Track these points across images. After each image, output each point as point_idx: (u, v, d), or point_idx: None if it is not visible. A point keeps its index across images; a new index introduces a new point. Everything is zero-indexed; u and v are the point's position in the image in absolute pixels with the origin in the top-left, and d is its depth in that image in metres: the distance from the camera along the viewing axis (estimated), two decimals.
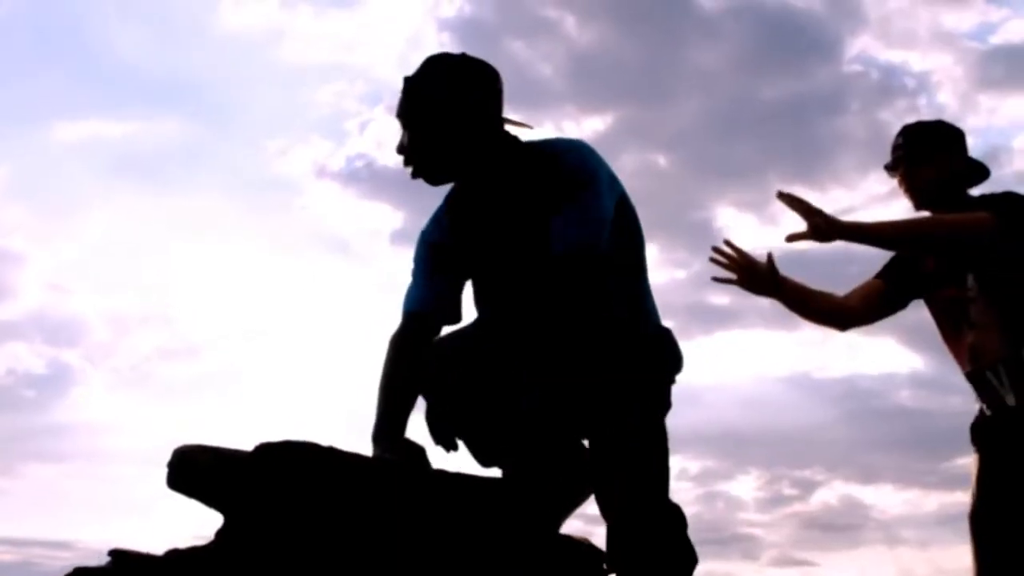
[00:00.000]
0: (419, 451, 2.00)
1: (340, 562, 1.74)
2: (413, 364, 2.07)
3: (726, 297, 10.60)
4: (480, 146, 2.10)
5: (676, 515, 1.99)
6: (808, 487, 9.94)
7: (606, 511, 1.97)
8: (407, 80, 2.12)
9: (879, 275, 2.75)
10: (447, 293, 2.18)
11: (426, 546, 1.82)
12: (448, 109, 2.07)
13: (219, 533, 1.74)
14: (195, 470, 1.73)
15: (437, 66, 2.12)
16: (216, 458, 1.74)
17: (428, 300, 2.16)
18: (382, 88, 11.43)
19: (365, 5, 11.37)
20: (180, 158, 10.74)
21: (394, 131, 2.15)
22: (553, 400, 1.98)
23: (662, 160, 10.27)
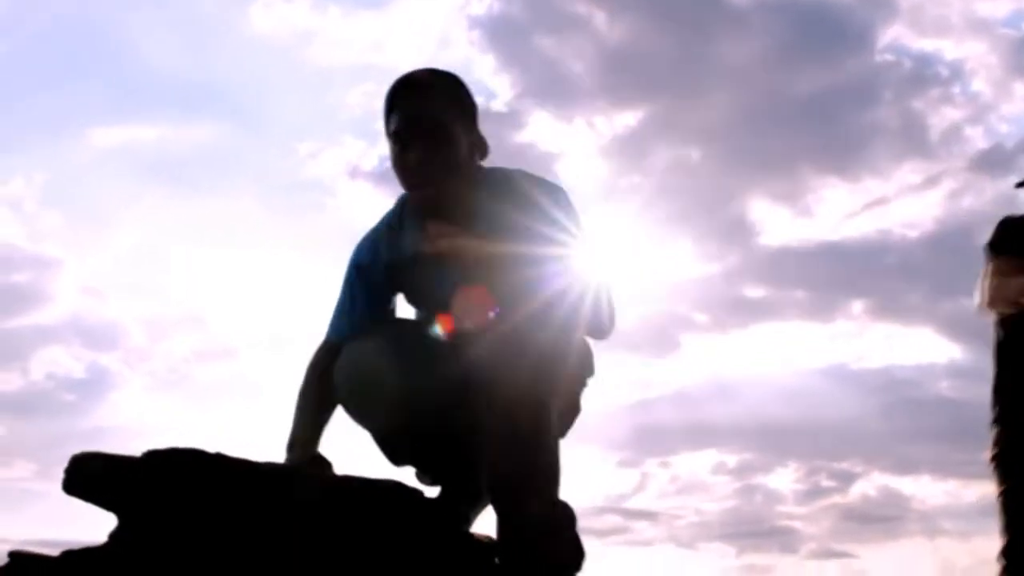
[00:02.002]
0: (326, 464, 2.09)
1: (227, 564, 1.83)
2: (329, 385, 2.16)
3: (761, 290, 10.54)
4: (468, 169, 2.13)
5: (565, 511, 2.03)
6: (847, 479, 9.84)
7: (498, 504, 2.01)
8: (420, 94, 2.09)
9: None
10: (369, 322, 2.23)
11: (319, 549, 1.90)
12: (462, 127, 2.10)
13: (112, 535, 1.84)
14: (88, 475, 1.84)
15: (446, 80, 2.14)
16: (108, 464, 1.85)
17: (348, 332, 2.23)
18: None
19: (395, 5, 11.45)
20: (212, 162, 10.97)
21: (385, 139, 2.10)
22: None
23: (695, 154, 10.22)
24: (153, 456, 1.85)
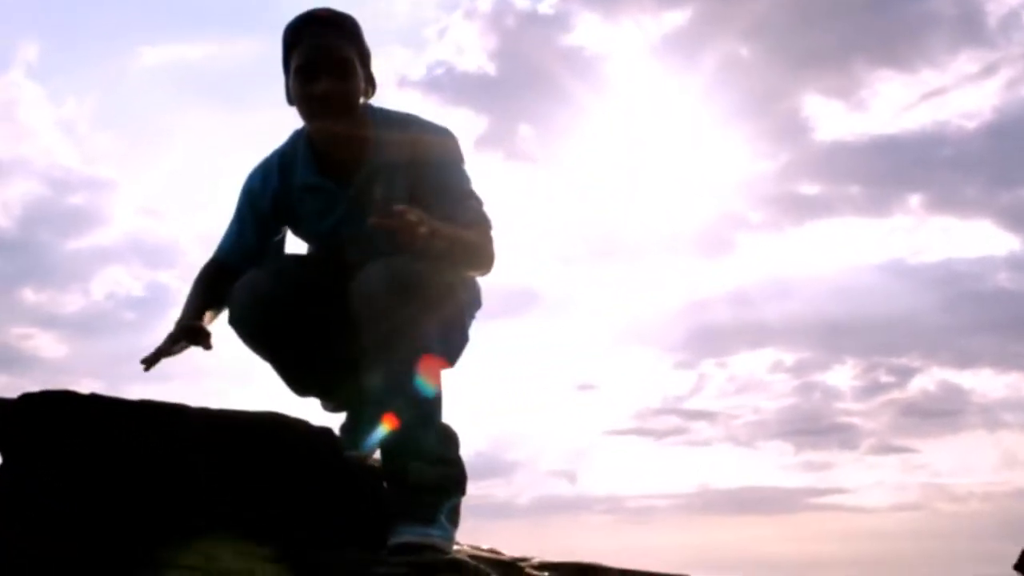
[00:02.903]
0: (204, 333, 2.16)
1: (108, 498, 1.91)
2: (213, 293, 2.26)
3: (816, 186, 10.24)
4: (357, 101, 2.17)
5: (447, 434, 2.08)
6: (905, 374, 9.70)
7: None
8: (324, 30, 2.13)
9: None
10: (255, 248, 2.32)
11: (199, 483, 1.96)
12: (360, 64, 2.16)
13: None
14: None
15: (346, 19, 2.18)
16: None
17: (234, 253, 2.33)
18: None
19: None
20: (259, 76, 11.04)
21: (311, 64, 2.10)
22: None
23: (744, 51, 9.86)
24: (27, 398, 1.92)
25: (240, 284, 2.20)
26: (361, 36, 2.20)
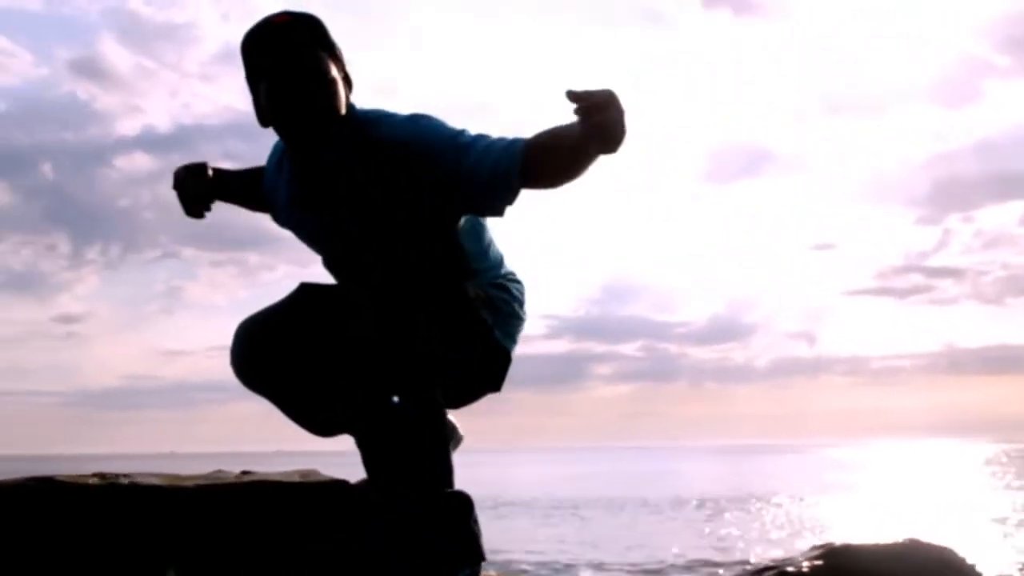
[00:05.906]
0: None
1: None
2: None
3: None
4: (340, 111, 2.00)
5: (457, 501, 1.90)
6: None
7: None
8: (286, 38, 1.97)
9: None
10: None
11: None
12: (334, 66, 1.99)
13: None
14: None
15: (308, 21, 2.00)
16: None
17: None
18: None
19: None
20: None
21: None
22: None
23: None
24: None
25: (236, 332, 2.08)
26: (325, 35, 2.00)
